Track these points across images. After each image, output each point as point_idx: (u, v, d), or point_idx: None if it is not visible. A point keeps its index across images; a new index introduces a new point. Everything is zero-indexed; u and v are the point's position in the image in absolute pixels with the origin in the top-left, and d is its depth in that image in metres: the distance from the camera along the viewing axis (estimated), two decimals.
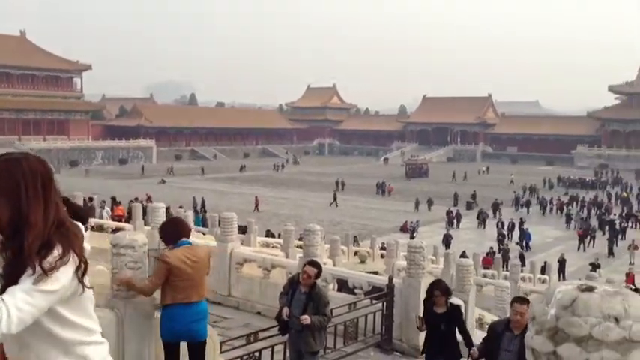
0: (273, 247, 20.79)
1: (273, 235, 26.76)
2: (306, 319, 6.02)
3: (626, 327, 1.51)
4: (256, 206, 44.16)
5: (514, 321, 5.34)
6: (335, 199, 49.49)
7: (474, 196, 49.74)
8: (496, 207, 44.39)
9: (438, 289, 6.65)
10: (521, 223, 37.41)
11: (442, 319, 6.52)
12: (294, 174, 77.19)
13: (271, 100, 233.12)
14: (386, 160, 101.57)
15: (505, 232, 35.93)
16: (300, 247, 14.19)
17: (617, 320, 1.52)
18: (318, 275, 6.36)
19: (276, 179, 70.38)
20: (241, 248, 12.75)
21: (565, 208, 46.12)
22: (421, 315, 6.96)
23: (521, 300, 5.50)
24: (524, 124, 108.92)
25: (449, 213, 40.37)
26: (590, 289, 1.63)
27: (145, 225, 16.00)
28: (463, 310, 8.27)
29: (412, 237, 30.42)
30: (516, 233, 36.38)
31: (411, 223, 38.08)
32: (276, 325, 6.46)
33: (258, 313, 10.67)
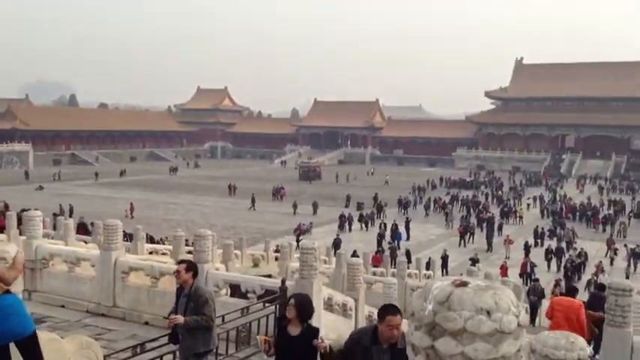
0: (162, 254, 20.09)
1: (153, 241, 25.90)
2: (175, 319, 5.90)
3: (497, 319, 1.59)
4: (131, 212, 42.51)
5: (387, 335, 4.46)
6: (253, 202, 48.66)
7: (375, 198, 51.19)
8: (380, 208, 45.60)
9: (294, 302, 5.47)
10: (407, 222, 38.93)
11: (296, 343, 5.25)
12: (185, 178, 75.37)
13: (159, 101, 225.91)
14: (283, 162, 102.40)
15: (388, 232, 36.57)
16: (191, 252, 13.82)
17: (488, 313, 1.60)
18: (191, 272, 6.22)
19: (166, 183, 68.29)
20: (127, 256, 12.19)
21: (445, 207, 48.72)
22: (267, 337, 5.69)
23: (393, 311, 4.56)
24: (409, 128, 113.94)
25: (341, 217, 40.97)
26: (464, 284, 1.70)
27: (21, 235, 14.83)
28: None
29: (298, 240, 30.72)
30: (403, 234, 37.57)
31: (303, 224, 38.44)
32: (165, 335, 6.23)
33: (146, 323, 10.25)
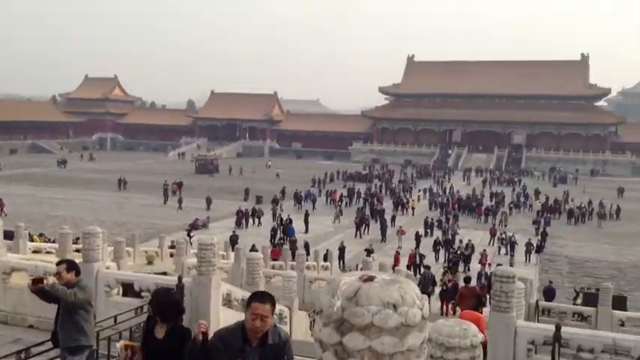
0: (46, 252, 18.86)
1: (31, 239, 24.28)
2: (44, 280, 5.56)
3: (403, 313, 1.63)
4: (1, 209, 39.64)
5: (250, 326, 3.77)
6: (180, 203, 45.91)
7: (283, 192, 51.06)
8: (275, 202, 45.08)
9: (155, 299, 4.80)
10: (307, 215, 39.30)
11: (162, 346, 4.62)
12: (74, 171, 71.20)
13: (43, 90, 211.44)
14: (181, 154, 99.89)
15: (279, 225, 36.57)
16: (79, 251, 13.09)
17: (395, 307, 1.64)
18: (73, 272, 5.93)
19: (52, 177, 64.16)
20: (8, 256, 11.32)
21: (341, 200, 49.82)
22: (129, 342, 5.10)
23: (262, 298, 3.85)
24: (308, 122, 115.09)
25: (238, 212, 40.16)
26: (371, 279, 1.73)
27: None
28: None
29: (189, 235, 30.08)
30: (301, 227, 37.80)
31: (198, 220, 37.70)
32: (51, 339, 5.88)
33: (31, 326, 9.61)
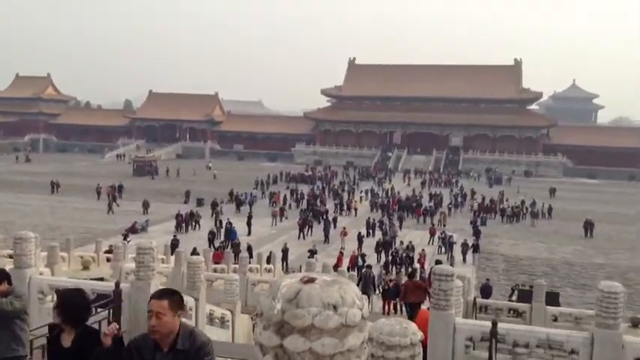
0: None
1: None
2: None
3: (343, 314, 1.63)
4: None
5: (148, 327, 3.50)
6: (110, 207, 44.07)
7: (231, 194, 50.41)
8: (215, 205, 43.93)
9: (57, 301, 4.34)
10: (249, 217, 38.98)
11: (70, 356, 4.11)
12: (4, 174, 67.93)
13: None
14: (120, 156, 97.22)
15: (219, 228, 36.04)
16: (11, 257, 12.49)
17: (335, 308, 1.64)
18: (5, 281, 5.60)
19: None
20: None
21: (285, 201, 49.78)
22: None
23: (159, 294, 3.60)
24: (250, 123, 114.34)
25: (178, 216, 39.05)
26: (312, 280, 1.72)
27: None
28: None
29: (126, 239, 29.29)
30: (243, 230, 37.32)
31: (136, 223, 36.77)
32: None
33: None
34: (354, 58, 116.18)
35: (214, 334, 11.77)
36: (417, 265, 27.94)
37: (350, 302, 1.67)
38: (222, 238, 34.30)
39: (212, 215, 41.29)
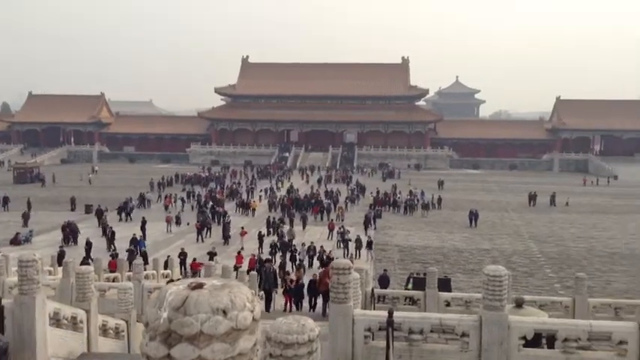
0: None
1: None
2: None
3: (233, 317, 1.59)
4: None
5: None
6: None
7: (142, 197, 47.88)
8: (100, 213, 40.80)
9: None
10: (144, 223, 37.50)
11: None
12: None
13: None
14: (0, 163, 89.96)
15: (108, 236, 34.25)
16: None
17: (225, 313, 1.59)
18: None
19: None
20: None
21: (173, 204, 48.58)
22: None
23: None
24: (140, 124, 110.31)
25: (64, 228, 35.56)
26: (200, 286, 1.66)
27: None
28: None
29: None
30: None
31: (19, 234, 34.26)
32: None
33: None
34: (247, 57, 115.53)
35: (108, 345, 11.23)
36: (317, 262, 28.29)
37: (240, 305, 1.63)
38: (128, 246, 31.90)
39: (99, 224, 39.06)
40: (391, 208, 50.89)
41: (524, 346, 8.21)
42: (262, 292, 20.86)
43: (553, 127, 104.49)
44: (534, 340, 8.50)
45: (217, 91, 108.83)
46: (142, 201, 50.17)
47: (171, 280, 19.52)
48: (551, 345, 8.77)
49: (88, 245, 30.80)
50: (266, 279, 21.00)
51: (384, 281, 23.06)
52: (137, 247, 31.08)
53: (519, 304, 10.85)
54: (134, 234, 32.66)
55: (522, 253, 34.44)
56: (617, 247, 36.34)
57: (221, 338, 1.64)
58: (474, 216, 43.24)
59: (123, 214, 43.02)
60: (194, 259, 27.59)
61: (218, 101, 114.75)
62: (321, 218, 44.74)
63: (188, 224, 40.73)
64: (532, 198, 54.85)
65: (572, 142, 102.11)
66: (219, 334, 1.63)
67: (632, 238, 39.61)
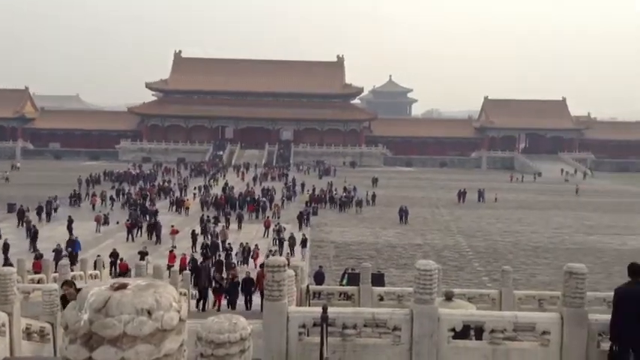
0: None
1: None
2: None
3: (158, 318, 1.54)
4: None
5: None
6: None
7: (75, 194, 45.63)
8: (22, 213, 38.60)
9: None
10: (70, 222, 35.94)
11: None
12: None
13: None
14: None
15: (31, 236, 32.60)
16: None
17: (149, 313, 1.54)
18: None
19: None
20: None
21: (102, 202, 47.12)
22: None
23: None
24: (67, 119, 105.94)
25: None
26: (123, 286, 1.60)
27: None
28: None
29: None
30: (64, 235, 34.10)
31: None
32: None
33: None
34: (180, 51, 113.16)
35: (33, 349, 10.72)
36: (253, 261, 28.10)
37: (166, 305, 1.59)
38: (65, 251, 30.07)
39: (20, 224, 37.22)
40: (327, 205, 51.27)
41: (454, 337, 8.46)
42: (196, 291, 20.52)
43: (481, 126, 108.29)
44: (463, 332, 8.78)
45: (148, 86, 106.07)
46: (78, 199, 48.49)
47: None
48: (479, 336, 9.08)
49: (5, 247, 29.22)
50: (199, 275, 20.65)
51: (319, 278, 23.22)
52: (73, 248, 29.54)
53: (449, 297, 11.17)
54: (70, 235, 31.20)
55: (452, 248, 35.54)
56: (540, 241, 38.12)
57: (146, 339, 1.59)
58: (404, 213, 44.11)
59: (43, 215, 40.80)
60: (121, 259, 26.77)
61: (150, 97, 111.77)
62: (257, 216, 44.43)
63: (118, 223, 39.51)
64: (461, 195, 56.65)
65: (499, 141, 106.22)
66: (144, 335, 1.58)
67: (555, 232, 41.66)
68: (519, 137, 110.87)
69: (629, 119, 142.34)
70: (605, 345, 8.16)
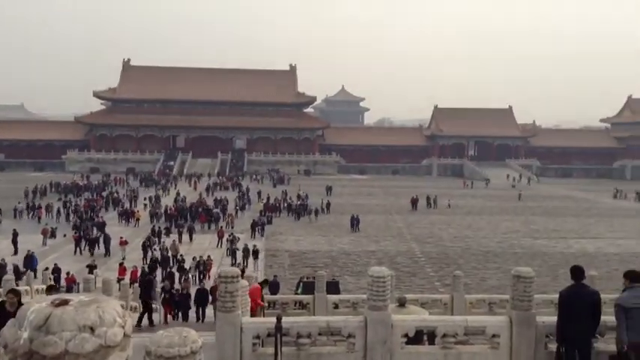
0: None
1: None
2: None
3: (102, 334, 1.50)
4: None
5: None
6: None
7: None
8: None
9: None
10: (15, 235, 34.64)
11: None
12: None
13: None
14: None
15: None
16: None
17: (92, 330, 1.50)
18: None
19: None
20: None
21: (48, 214, 45.70)
22: None
23: None
24: (10, 129, 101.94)
25: None
26: (65, 302, 1.55)
27: None
28: None
29: None
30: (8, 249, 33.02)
31: None
32: None
33: None
34: (129, 60, 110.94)
35: None
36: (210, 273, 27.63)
37: (110, 321, 1.54)
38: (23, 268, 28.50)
39: None
40: (282, 213, 51.14)
41: (407, 343, 8.56)
42: (139, 304, 19.68)
43: (432, 134, 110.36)
44: (416, 337, 8.89)
45: (96, 94, 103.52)
46: (26, 210, 46.96)
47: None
48: (432, 341, 9.21)
49: None
50: (144, 288, 19.64)
51: (274, 287, 23.07)
52: (30, 267, 28.12)
53: (402, 303, 11.30)
54: (28, 250, 29.72)
55: (405, 254, 35.99)
56: (490, 246, 39.07)
57: (88, 357, 1.54)
58: (355, 221, 44.36)
59: None
60: (68, 273, 25.82)
61: (98, 106, 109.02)
62: (209, 227, 43.77)
63: (65, 236, 38.30)
64: (414, 202, 57.50)
65: (449, 148, 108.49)
66: (87, 352, 1.53)
67: (504, 237, 42.78)
68: (468, 145, 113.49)
69: (573, 127, 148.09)
70: (553, 346, 8.42)
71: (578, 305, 7.92)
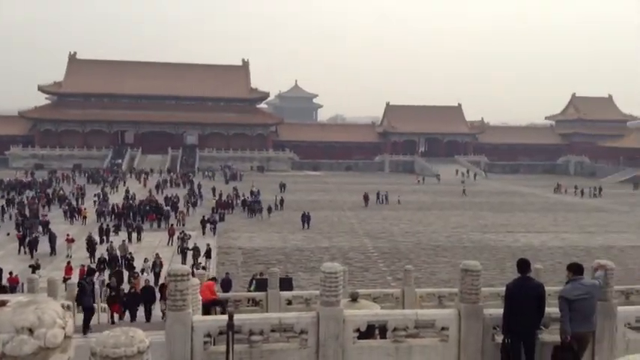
0: None
1: None
2: None
3: (41, 336, 1.45)
4: None
5: None
6: None
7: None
8: None
9: None
10: None
11: None
12: None
13: None
14: None
15: None
16: None
17: (31, 331, 1.44)
18: None
19: None
20: None
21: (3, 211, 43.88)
22: None
23: None
24: None
25: None
26: (3, 303, 1.49)
27: None
28: None
29: None
30: None
31: None
32: None
33: None
34: (75, 53, 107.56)
35: None
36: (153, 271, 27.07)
37: (49, 322, 1.49)
38: None
39: None
40: (235, 210, 50.72)
41: (359, 338, 8.64)
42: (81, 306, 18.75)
43: (384, 131, 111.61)
44: (368, 332, 8.99)
45: (41, 88, 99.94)
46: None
47: None
48: (383, 335, 9.33)
49: None
50: (83, 290, 18.62)
51: (226, 285, 22.88)
52: None
53: (354, 298, 11.40)
54: None
55: (358, 249, 36.32)
56: (440, 241, 39.86)
57: (27, 359, 1.49)
58: (306, 218, 44.28)
59: None
60: (10, 273, 24.78)
61: (43, 100, 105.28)
62: (158, 225, 42.89)
63: (8, 235, 36.93)
64: (366, 198, 58.01)
65: (401, 145, 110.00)
66: (25, 354, 1.48)
67: (453, 231, 43.72)
68: (419, 141, 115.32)
69: (520, 124, 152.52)
70: (499, 338, 8.66)
71: (523, 298, 8.17)
